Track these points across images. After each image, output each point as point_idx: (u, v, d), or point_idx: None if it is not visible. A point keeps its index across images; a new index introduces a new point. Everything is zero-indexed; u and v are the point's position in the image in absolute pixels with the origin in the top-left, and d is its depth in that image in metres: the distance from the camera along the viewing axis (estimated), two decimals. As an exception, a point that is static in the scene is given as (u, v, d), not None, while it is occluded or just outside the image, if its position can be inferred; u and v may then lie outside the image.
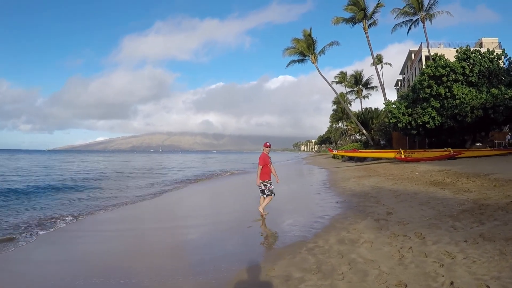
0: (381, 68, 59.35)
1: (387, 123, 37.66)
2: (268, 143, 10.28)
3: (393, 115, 29.72)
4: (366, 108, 63.70)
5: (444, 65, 27.24)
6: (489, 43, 44.84)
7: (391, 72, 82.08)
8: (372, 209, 9.44)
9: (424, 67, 31.50)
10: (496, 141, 30.37)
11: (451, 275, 4.59)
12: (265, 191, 9.82)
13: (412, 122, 28.49)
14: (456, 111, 25.96)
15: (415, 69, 56.68)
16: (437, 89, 27.10)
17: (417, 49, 56.17)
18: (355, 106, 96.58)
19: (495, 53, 28.28)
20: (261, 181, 9.84)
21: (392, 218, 8.11)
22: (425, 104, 28.07)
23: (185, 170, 38.58)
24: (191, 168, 44.16)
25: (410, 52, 61.32)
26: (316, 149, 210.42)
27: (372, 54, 46.58)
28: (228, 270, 5.65)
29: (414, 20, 41.80)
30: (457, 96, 26.05)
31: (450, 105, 26.51)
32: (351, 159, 39.94)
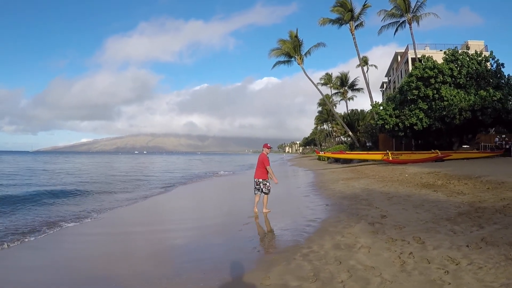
0: (367, 70, 59.52)
1: (374, 125, 37.64)
2: (268, 145, 11.11)
3: (380, 117, 29.65)
4: (352, 110, 63.84)
5: (432, 67, 27.23)
6: (476, 46, 45.22)
7: (376, 74, 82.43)
8: (365, 212, 9.16)
9: (411, 68, 31.48)
10: (482, 144, 30.54)
11: (458, 282, 4.31)
12: (264, 189, 10.42)
13: (399, 124, 28.44)
14: (444, 113, 25.95)
15: (401, 71, 56.95)
16: (425, 90, 27.07)
17: (403, 51, 56.47)
18: (340, 108, 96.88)
19: (483, 55, 28.37)
20: (261, 179, 10.43)
21: (387, 222, 7.83)
22: (412, 105, 28.03)
23: (173, 172, 37.85)
24: (179, 170, 43.43)
25: (396, 54, 61.62)
26: (301, 151, 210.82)
27: (358, 55, 46.64)
28: (219, 279, 5.28)
29: (401, 22, 41.94)
30: (445, 98, 26.04)
31: (438, 107, 26.49)
32: (337, 160, 39.83)
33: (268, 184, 10.49)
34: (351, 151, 39.58)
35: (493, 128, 31.41)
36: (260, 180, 10.43)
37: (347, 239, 6.73)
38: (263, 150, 10.84)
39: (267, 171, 10.44)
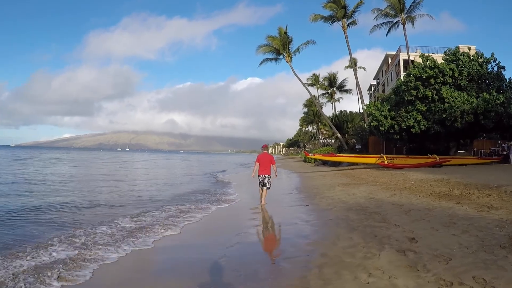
0: (356, 72, 58.01)
1: (366, 127, 35.87)
2: (266, 145, 14.74)
3: (375, 118, 27.75)
4: (341, 111, 62.08)
5: (432, 66, 25.43)
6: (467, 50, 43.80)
7: (364, 77, 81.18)
8: (384, 232, 7.13)
9: (410, 67, 29.56)
10: (475, 149, 29.03)
11: None
12: (267, 184, 12.22)
13: (395, 126, 26.58)
14: (444, 116, 24.15)
15: (391, 73, 55.43)
16: (424, 91, 25.23)
17: (394, 53, 54.97)
18: (326, 110, 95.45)
19: (484, 57, 26.66)
20: (267, 175, 12.20)
21: (421, 249, 5.81)
22: (410, 107, 26.18)
23: (172, 179, 28.71)
24: (173, 175, 36.36)
25: (387, 56, 60.02)
26: (284, 152, 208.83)
27: (350, 54, 44.94)
28: None
29: (394, 22, 40.24)
30: (446, 100, 24.20)
31: (437, 109, 24.66)
32: (324, 163, 37.99)
33: (271, 180, 12.37)
34: (339, 153, 37.69)
35: (493, 133, 29.79)
36: (267, 176, 12.18)
37: (378, 280, 4.68)
38: (263, 150, 12.98)
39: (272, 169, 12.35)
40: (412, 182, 14.97)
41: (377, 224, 7.89)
